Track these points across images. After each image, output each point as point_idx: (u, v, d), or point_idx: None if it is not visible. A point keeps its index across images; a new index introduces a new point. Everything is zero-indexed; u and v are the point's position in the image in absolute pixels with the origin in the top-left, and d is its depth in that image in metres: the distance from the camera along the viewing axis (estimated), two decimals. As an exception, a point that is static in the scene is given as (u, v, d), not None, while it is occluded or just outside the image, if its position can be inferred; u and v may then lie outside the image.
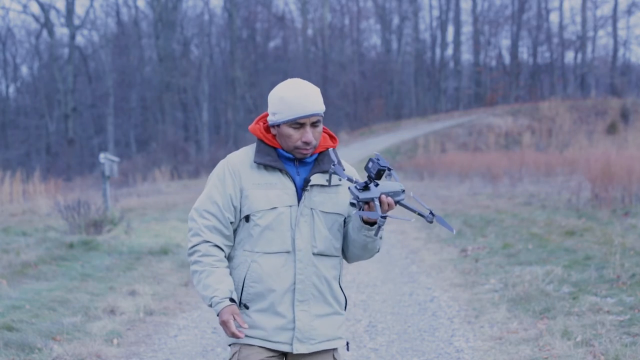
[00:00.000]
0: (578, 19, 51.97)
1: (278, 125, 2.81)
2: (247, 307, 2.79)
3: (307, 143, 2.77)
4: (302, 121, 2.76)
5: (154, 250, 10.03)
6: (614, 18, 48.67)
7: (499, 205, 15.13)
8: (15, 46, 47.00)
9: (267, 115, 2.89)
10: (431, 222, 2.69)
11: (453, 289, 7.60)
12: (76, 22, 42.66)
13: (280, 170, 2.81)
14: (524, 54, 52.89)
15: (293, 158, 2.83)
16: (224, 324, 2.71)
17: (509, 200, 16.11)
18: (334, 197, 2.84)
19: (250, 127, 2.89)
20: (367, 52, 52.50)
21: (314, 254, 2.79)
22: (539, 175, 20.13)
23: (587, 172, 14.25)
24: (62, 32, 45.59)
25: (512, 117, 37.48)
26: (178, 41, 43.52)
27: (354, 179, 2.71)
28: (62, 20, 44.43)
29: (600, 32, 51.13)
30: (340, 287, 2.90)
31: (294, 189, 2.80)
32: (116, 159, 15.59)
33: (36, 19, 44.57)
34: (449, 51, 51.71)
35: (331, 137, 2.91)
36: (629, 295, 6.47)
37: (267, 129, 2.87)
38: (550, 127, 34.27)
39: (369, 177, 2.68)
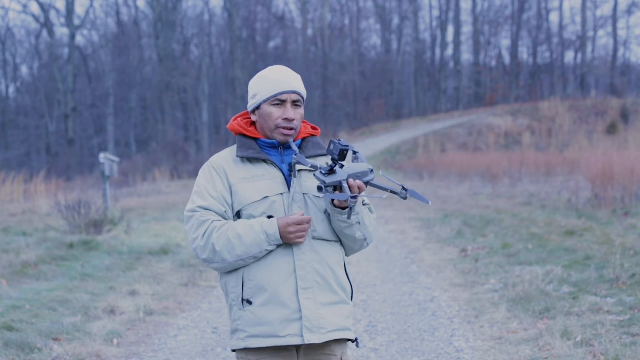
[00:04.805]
0: (578, 19, 52.09)
1: (258, 108, 2.77)
2: (250, 303, 2.65)
3: (288, 120, 2.72)
4: (283, 97, 2.73)
5: (154, 250, 10.04)
6: (614, 18, 48.70)
7: (499, 205, 15.13)
8: (15, 46, 47.00)
9: (244, 113, 2.87)
10: (405, 198, 2.61)
11: (453, 289, 7.60)
12: (76, 22, 42.66)
13: (265, 161, 2.75)
14: (524, 54, 52.94)
15: (277, 145, 2.77)
16: (286, 227, 2.61)
17: (509, 200, 16.11)
18: None
19: (228, 125, 2.85)
20: (367, 52, 52.51)
21: (313, 238, 2.70)
22: (539, 175, 20.14)
23: (587, 172, 14.24)
24: (62, 32, 45.65)
25: (512, 117, 37.47)
26: (178, 41, 43.53)
27: (318, 165, 2.62)
28: (62, 20, 44.48)
29: (600, 32, 51.22)
30: (347, 273, 2.79)
31: (282, 177, 2.73)
32: (116, 159, 15.59)
33: (36, 19, 44.59)
34: (449, 51, 51.74)
35: (313, 127, 2.88)
36: (629, 295, 6.47)
37: (247, 123, 2.84)
38: (550, 127, 34.27)
39: (333, 159, 2.61)
